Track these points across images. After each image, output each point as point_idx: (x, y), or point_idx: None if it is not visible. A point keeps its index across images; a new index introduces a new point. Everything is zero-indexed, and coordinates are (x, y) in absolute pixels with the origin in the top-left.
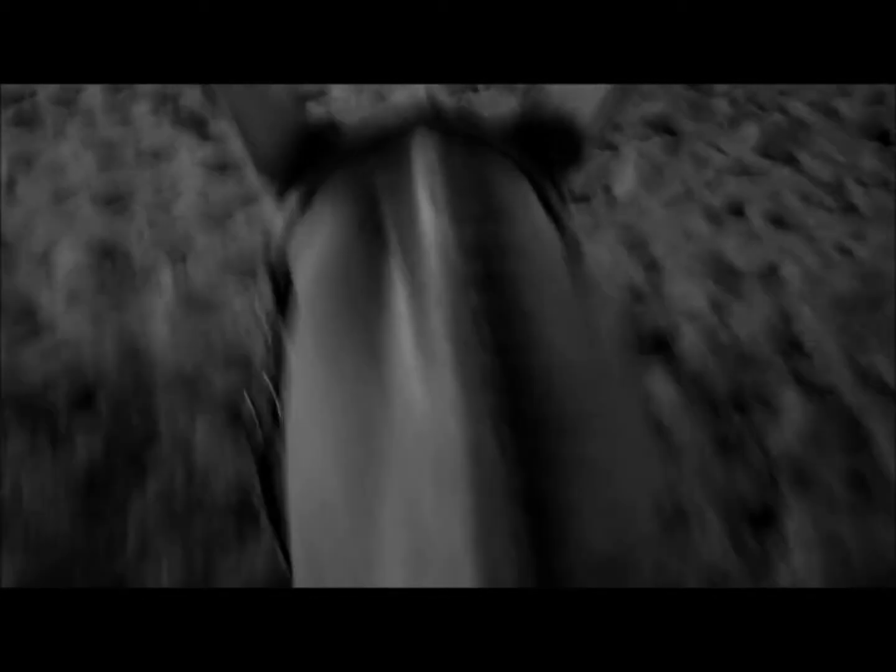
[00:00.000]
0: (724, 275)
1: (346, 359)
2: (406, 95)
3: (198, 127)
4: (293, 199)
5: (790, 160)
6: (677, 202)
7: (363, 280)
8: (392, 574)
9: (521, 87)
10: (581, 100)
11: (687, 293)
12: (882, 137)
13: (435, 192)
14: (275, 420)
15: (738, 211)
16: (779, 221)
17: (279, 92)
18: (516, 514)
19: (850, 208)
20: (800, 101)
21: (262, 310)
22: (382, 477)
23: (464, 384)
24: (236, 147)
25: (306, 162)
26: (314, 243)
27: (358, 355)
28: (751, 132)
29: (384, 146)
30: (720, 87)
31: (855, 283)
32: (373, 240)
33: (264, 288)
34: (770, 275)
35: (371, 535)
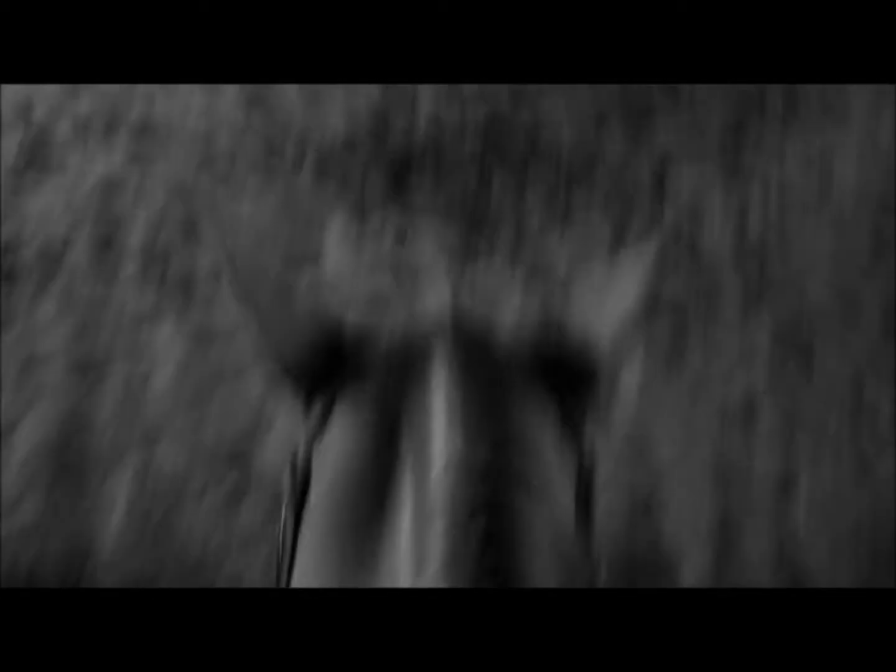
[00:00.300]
0: (734, 488)
1: (344, 564)
2: (431, 309)
3: (185, 292)
4: (317, 404)
5: (806, 351)
6: (686, 398)
7: (372, 489)
8: None
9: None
10: (602, 327)
11: (693, 508)
12: None
13: (451, 414)
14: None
15: (750, 410)
16: (793, 424)
17: (305, 302)
18: None
19: (870, 412)
20: (817, 283)
21: (284, 512)
22: None
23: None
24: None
25: (330, 369)
26: (333, 452)
27: (356, 562)
28: (765, 319)
29: (406, 363)
30: (729, 272)
31: (874, 507)
32: (387, 451)
33: (286, 488)
34: (783, 490)
35: None
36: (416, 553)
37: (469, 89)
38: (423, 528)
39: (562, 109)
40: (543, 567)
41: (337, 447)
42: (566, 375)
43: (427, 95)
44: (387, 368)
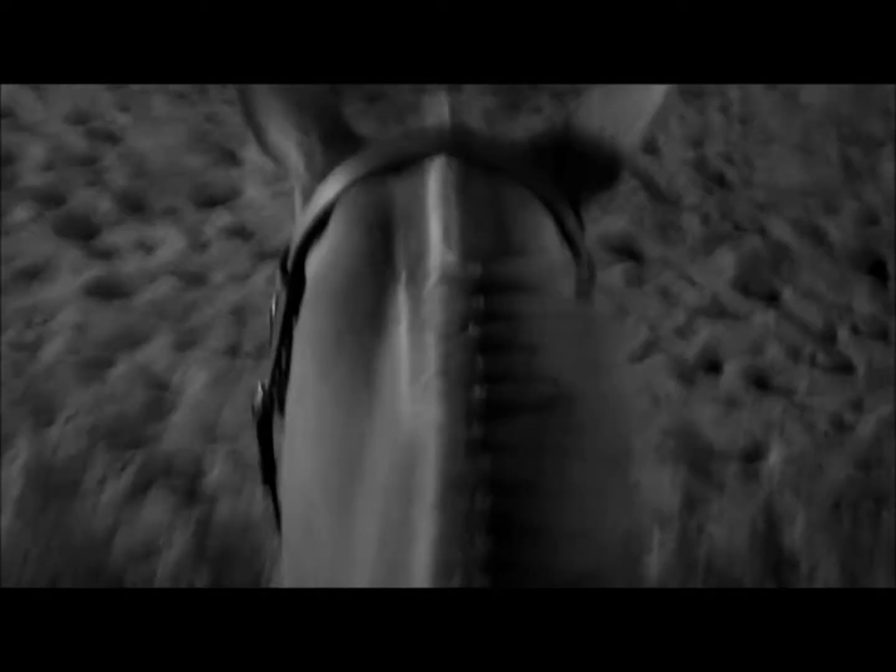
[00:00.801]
0: (699, 458)
1: (341, 376)
2: (431, 116)
3: (85, 238)
4: (313, 207)
5: (772, 298)
6: (643, 354)
7: (368, 301)
8: (362, 575)
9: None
10: (618, 122)
11: (655, 486)
12: (876, 270)
13: (448, 224)
14: (280, 411)
15: (713, 368)
16: (761, 384)
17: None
18: (481, 542)
19: (843, 367)
20: (782, 219)
21: (275, 308)
22: (361, 487)
23: (448, 415)
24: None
25: (336, 146)
26: (328, 255)
27: (354, 375)
28: (727, 261)
29: (405, 167)
30: (690, 201)
31: (851, 469)
32: (382, 263)
33: (279, 286)
34: (752, 458)
35: (346, 535)
36: (411, 363)
37: None
38: (417, 338)
39: None
40: (545, 364)
41: (331, 253)
42: (573, 167)
43: None
44: (386, 163)
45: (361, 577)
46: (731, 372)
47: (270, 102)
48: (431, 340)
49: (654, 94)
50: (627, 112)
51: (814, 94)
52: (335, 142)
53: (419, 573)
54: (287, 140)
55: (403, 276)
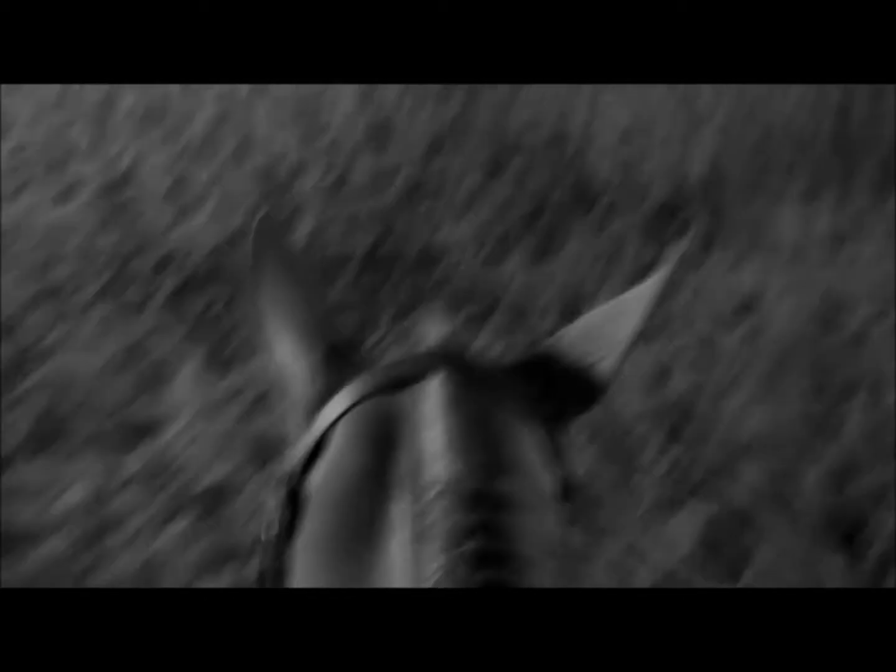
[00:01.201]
0: None
1: (337, 586)
2: (428, 337)
3: None
4: (315, 421)
5: (734, 574)
6: None
7: (367, 511)
8: None
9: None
10: (596, 350)
11: None
12: (847, 540)
13: (449, 437)
14: None
15: None
16: None
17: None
18: None
19: None
20: (743, 486)
21: (269, 531)
22: None
23: None
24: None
25: (336, 378)
26: (329, 468)
27: (350, 585)
28: (684, 531)
29: (404, 385)
30: (645, 455)
31: None
32: (382, 475)
33: (277, 509)
34: None
35: None
36: (412, 574)
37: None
38: (418, 549)
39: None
40: (538, 578)
41: (331, 467)
42: (557, 389)
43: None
44: (386, 385)
45: None
46: None
47: (278, 320)
48: (434, 551)
49: (628, 327)
50: (604, 343)
51: (779, 329)
52: (338, 363)
53: None
54: (292, 358)
55: (403, 488)
